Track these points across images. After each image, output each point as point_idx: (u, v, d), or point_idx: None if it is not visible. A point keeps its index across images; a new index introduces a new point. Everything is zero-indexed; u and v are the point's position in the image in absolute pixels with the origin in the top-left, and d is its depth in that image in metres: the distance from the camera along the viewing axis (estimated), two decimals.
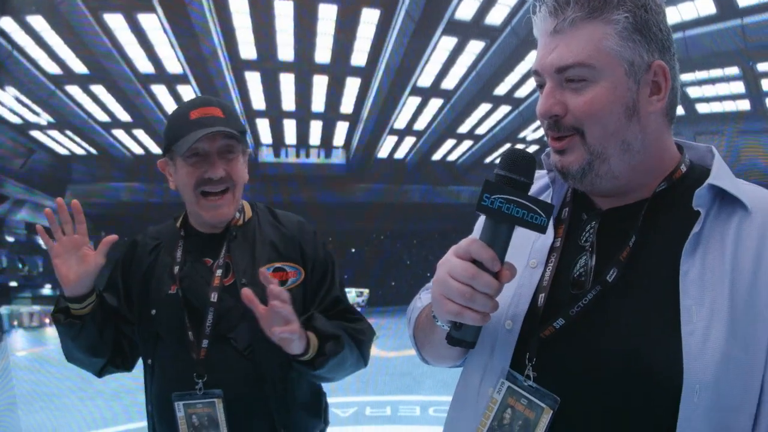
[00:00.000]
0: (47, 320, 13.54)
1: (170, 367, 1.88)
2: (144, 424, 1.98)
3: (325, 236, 2.08)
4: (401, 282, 17.94)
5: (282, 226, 1.99)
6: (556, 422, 1.06)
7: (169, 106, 11.93)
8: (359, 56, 10.75)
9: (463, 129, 13.84)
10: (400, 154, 15.04)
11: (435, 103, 12.60)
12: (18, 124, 11.79)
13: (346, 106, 12.43)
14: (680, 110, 1.18)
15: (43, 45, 9.74)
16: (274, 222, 1.99)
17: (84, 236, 1.77)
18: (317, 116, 12.80)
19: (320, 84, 11.55)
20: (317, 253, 1.97)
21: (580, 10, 1.06)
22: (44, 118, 11.96)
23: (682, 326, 0.98)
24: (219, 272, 1.85)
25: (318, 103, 12.25)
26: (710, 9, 7.82)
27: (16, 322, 13.12)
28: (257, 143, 13.10)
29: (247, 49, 10.40)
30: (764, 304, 0.98)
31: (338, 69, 11.11)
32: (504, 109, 12.93)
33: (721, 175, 1.08)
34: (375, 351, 2.16)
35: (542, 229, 1.00)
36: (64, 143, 13.10)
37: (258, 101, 11.97)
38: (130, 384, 2.47)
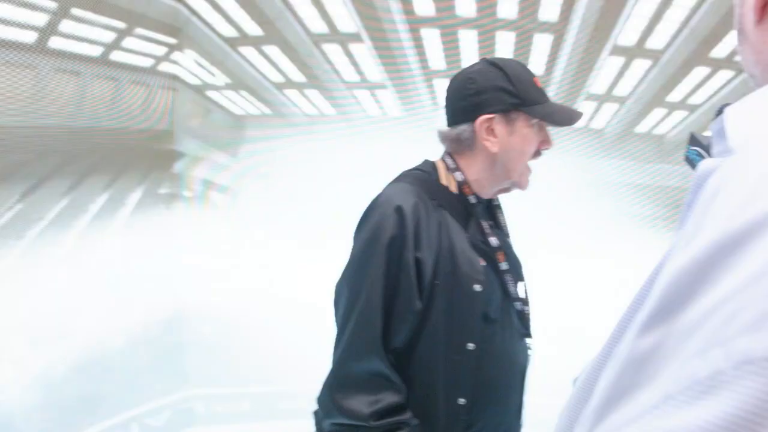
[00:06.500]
0: None
1: (501, 351, 1.75)
2: None
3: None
4: None
5: None
6: None
7: (342, 65, 12.03)
8: (549, 10, 9.97)
9: (674, 97, 12.97)
10: (597, 124, 14.55)
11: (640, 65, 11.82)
12: (196, 85, 12.47)
13: (536, 65, 11.90)
14: None
15: (218, 9, 10.05)
16: None
17: None
18: None
19: (506, 41, 10.85)
20: None
21: None
22: (221, 79, 12.55)
23: None
24: (493, 240, 1.77)
25: None
26: None
27: None
28: (437, 105, 13.01)
29: (424, 5, 10.01)
30: None
31: (526, 24, 10.46)
32: (724, 74, 11.82)
33: None
34: None
35: None
36: (239, 103, 13.71)
37: (436, 60, 11.56)
38: None
